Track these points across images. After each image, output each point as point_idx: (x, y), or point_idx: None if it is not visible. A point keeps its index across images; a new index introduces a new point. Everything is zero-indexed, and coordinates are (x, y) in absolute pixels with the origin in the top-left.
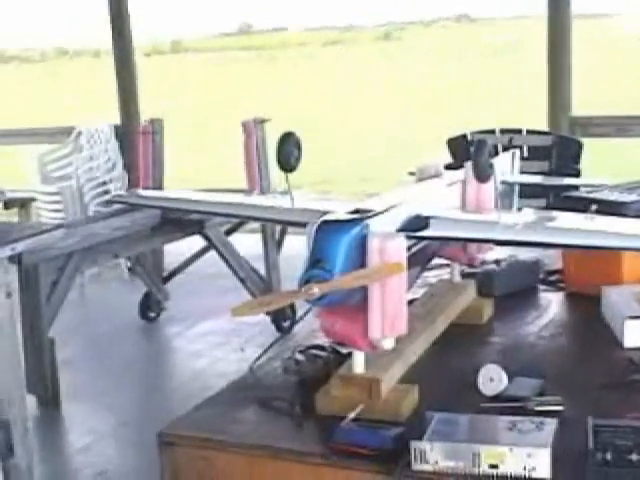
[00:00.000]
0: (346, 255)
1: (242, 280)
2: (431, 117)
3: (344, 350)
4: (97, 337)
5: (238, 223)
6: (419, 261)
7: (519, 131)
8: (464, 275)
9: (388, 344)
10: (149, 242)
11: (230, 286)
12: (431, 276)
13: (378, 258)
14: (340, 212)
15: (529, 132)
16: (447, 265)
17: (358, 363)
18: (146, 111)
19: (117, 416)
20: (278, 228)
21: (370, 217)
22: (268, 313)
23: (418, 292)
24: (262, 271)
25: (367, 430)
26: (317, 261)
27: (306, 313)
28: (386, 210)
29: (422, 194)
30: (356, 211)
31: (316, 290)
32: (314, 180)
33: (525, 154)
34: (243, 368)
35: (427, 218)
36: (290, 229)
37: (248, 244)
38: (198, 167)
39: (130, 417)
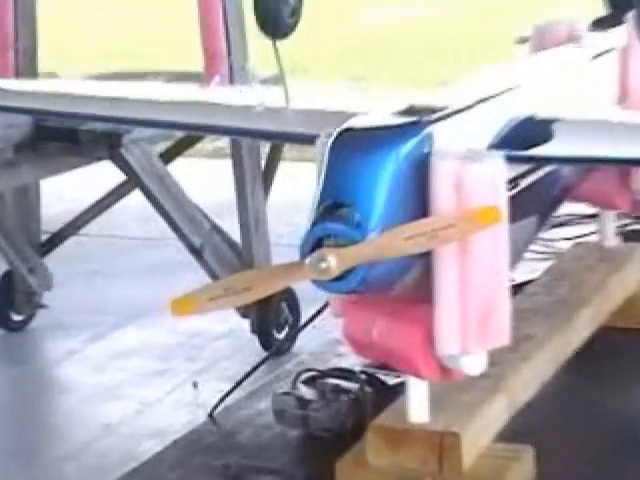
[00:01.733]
0: (390, 195)
1: (195, 250)
2: None
3: (389, 379)
4: None
5: (186, 140)
6: (534, 207)
7: None
8: (626, 236)
9: (474, 366)
10: (11, 175)
11: (171, 261)
12: (560, 237)
13: (452, 200)
14: (378, 113)
15: None
16: (592, 217)
17: (417, 403)
18: None
19: None
20: (264, 149)
21: (435, 121)
22: (244, 314)
23: (535, 268)
24: (234, 233)
25: None
26: (335, 207)
27: (318, 313)
28: (467, 108)
29: (541, 77)
30: (409, 110)
31: (333, 262)
32: (330, 62)
33: None
34: (197, 418)
35: (549, 123)
36: (286, 150)
37: (206, 181)
38: (127, 37)
39: None
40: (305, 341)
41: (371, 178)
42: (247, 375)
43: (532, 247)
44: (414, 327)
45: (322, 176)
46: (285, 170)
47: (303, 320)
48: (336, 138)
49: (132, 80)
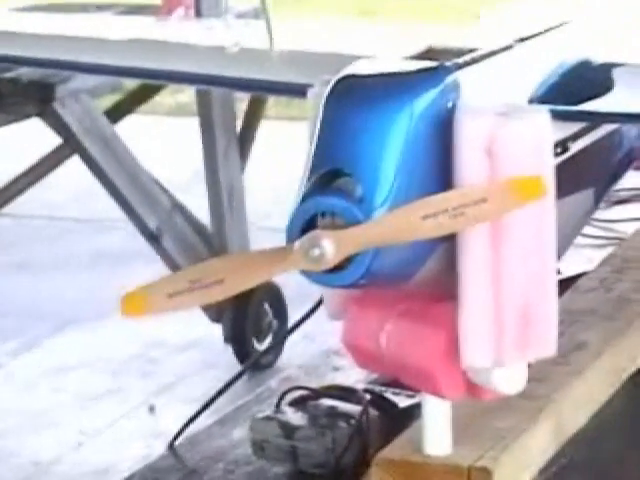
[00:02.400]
0: (403, 162)
1: (151, 235)
2: None
3: (400, 399)
4: None
5: (140, 92)
6: (589, 178)
7: None
8: None
9: (510, 382)
10: None
11: (120, 249)
12: (623, 218)
13: (483, 168)
14: (388, 56)
15: None
16: None
17: (436, 431)
18: None
19: None
20: (241, 104)
21: (461, 67)
22: (216, 317)
23: (590, 258)
24: (202, 213)
25: None
26: (332, 176)
27: (309, 314)
28: (502, 50)
29: (599, 9)
30: (428, 53)
31: (329, 248)
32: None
33: None
34: (153, 452)
35: (609, 69)
36: (270, 106)
37: (167, 146)
38: None
39: None
40: (293, 351)
41: (378, 140)
42: (217, 395)
43: (586, 230)
44: (433, 332)
45: (315, 137)
46: (268, 131)
47: (290, 325)
48: (333, 88)
49: (70, 13)
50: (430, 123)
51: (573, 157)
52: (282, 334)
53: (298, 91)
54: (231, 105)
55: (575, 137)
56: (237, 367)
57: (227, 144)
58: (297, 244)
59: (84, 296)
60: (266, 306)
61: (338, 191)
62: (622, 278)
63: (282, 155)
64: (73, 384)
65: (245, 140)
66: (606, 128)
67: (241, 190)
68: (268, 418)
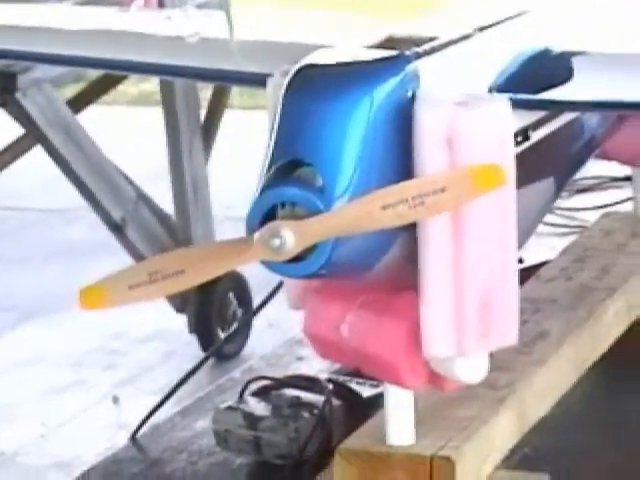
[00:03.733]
0: (362, 151)
1: (115, 225)
2: None
3: (363, 389)
4: None
5: (103, 81)
6: (550, 167)
7: None
8: None
9: (473, 372)
10: None
11: (83, 239)
12: (584, 206)
13: (443, 157)
14: (348, 46)
15: None
16: (624, 180)
17: (399, 420)
18: None
19: None
20: (205, 93)
21: (421, 55)
22: (180, 308)
23: (552, 246)
24: (166, 203)
25: None
26: (292, 166)
27: (267, 299)
28: (462, 39)
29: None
30: (387, 42)
31: (289, 238)
32: None
33: None
34: (116, 443)
35: (568, 57)
36: (234, 95)
37: (130, 135)
38: None
39: None
40: (260, 343)
41: (338, 130)
42: (179, 384)
43: (549, 218)
44: (395, 322)
45: (275, 127)
46: (233, 121)
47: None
48: (293, 78)
49: (30, 2)
50: (390, 112)
51: (534, 146)
52: (245, 319)
53: (258, 81)
54: (195, 94)
55: (536, 126)
56: (199, 353)
57: (191, 134)
58: (257, 235)
59: (45, 288)
60: (231, 295)
61: (298, 181)
62: (584, 267)
63: (246, 145)
64: (35, 377)
65: (209, 130)
66: (567, 117)
67: (205, 180)
68: (231, 408)
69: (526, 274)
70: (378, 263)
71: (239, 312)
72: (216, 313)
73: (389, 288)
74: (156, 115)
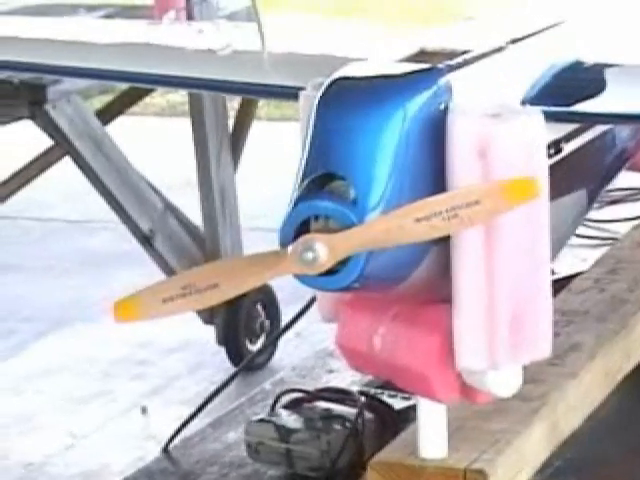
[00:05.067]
0: (396, 164)
1: (144, 236)
2: None
3: (395, 401)
4: None
5: (131, 93)
6: (582, 179)
7: None
8: None
9: (505, 385)
10: None
11: (110, 250)
12: (616, 218)
13: (476, 169)
14: (380, 59)
15: None
16: None
17: (432, 433)
18: None
19: None
20: (233, 104)
21: (454, 68)
22: (208, 319)
23: (584, 258)
24: (194, 215)
25: None
26: (325, 180)
27: (300, 314)
28: (495, 51)
29: (592, 9)
30: (420, 55)
31: (323, 251)
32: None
33: None
34: (147, 454)
35: (601, 70)
36: (261, 106)
37: (158, 146)
38: None
39: None
40: (287, 353)
41: (371, 143)
42: (211, 397)
43: (580, 230)
44: (427, 335)
45: (308, 140)
46: (261, 131)
47: (281, 326)
48: (326, 91)
49: (60, 15)
50: (423, 125)
51: (566, 158)
52: (275, 334)
53: (290, 94)
54: (223, 105)
55: (568, 138)
56: (229, 368)
57: (219, 145)
58: (291, 248)
59: (73, 298)
60: (259, 307)
61: (331, 194)
62: (616, 278)
63: (274, 155)
64: (62, 387)
65: (237, 140)
66: (599, 129)
67: (233, 191)
68: (263, 421)
69: (558, 286)
70: (411, 276)
71: (267, 324)
72: (244, 325)
73: (421, 300)
74: (184, 126)
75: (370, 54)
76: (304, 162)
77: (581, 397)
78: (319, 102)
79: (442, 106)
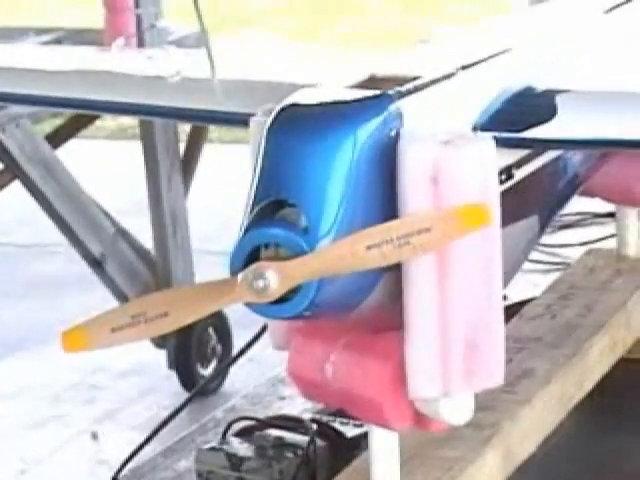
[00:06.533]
0: (346, 191)
1: (94, 260)
2: None
3: (347, 429)
4: None
5: (81, 117)
6: (534, 205)
7: None
8: None
9: (458, 412)
10: None
11: (61, 274)
12: (566, 243)
13: (427, 196)
14: (330, 85)
15: None
16: (608, 216)
17: (384, 461)
18: None
19: None
20: (184, 127)
21: (405, 94)
22: (159, 343)
23: (535, 283)
24: (145, 239)
25: None
26: (275, 207)
27: (252, 342)
28: (446, 77)
29: (541, 36)
30: (370, 81)
31: (274, 279)
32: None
33: None
34: (97, 479)
35: (552, 96)
36: (213, 129)
37: (109, 170)
38: None
39: None
40: (239, 379)
41: (321, 170)
42: (164, 424)
43: (531, 255)
44: (379, 362)
45: (258, 167)
46: (212, 154)
47: (233, 353)
48: (276, 117)
49: (10, 39)
50: (374, 152)
51: (517, 184)
52: (227, 362)
53: (240, 120)
54: (174, 129)
55: (519, 164)
56: (181, 393)
57: (170, 168)
58: (241, 276)
59: (26, 322)
60: (210, 331)
61: (282, 221)
62: (568, 304)
63: (225, 178)
64: (14, 412)
65: (189, 163)
66: (550, 154)
67: (184, 214)
68: (214, 449)
69: (510, 312)
70: (362, 303)
71: (219, 348)
72: (195, 349)
73: (374, 328)
74: (135, 149)
75: (320, 80)
76: (254, 189)
77: (534, 423)
78: (269, 129)
79: (393, 132)
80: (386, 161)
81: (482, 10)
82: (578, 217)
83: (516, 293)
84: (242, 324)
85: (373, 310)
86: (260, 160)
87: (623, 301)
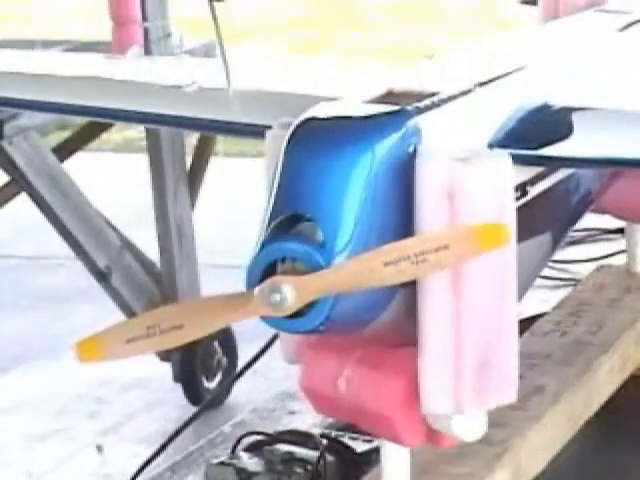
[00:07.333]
0: (363, 207)
1: (100, 273)
2: None
3: (358, 444)
4: None
5: (88, 129)
6: (548, 221)
7: None
8: None
9: (470, 429)
10: None
11: (67, 287)
12: (578, 259)
13: (444, 213)
14: (350, 98)
15: None
16: (618, 232)
17: (395, 477)
18: None
19: None
20: (191, 140)
21: (422, 110)
22: (164, 356)
23: (545, 299)
24: (151, 251)
25: None
26: (292, 221)
27: (259, 355)
28: (463, 93)
29: (556, 53)
30: (388, 96)
31: (290, 294)
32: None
33: None
34: None
35: (567, 113)
36: (222, 143)
37: (115, 182)
38: None
39: None
40: (247, 393)
41: (339, 185)
42: (172, 438)
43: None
44: (393, 378)
45: (276, 181)
46: (218, 167)
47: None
48: (295, 132)
49: (18, 49)
50: (391, 167)
51: (531, 201)
52: (233, 375)
53: (256, 132)
54: (181, 141)
55: (534, 181)
56: (186, 406)
57: (176, 180)
58: (257, 290)
59: (30, 335)
60: (215, 344)
61: (299, 236)
62: (578, 322)
63: (231, 191)
64: (18, 424)
65: (195, 176)
66: (564, 171)
67: (190, 227)
68: (223, 464)
69: (520, 327)
70: (377, 319)
71: (224, 361)
72: (201, 362)
73: (387, 343)
74: (141, 162)
75: (339, 94)
76: (272, 203)
77: (544, 441)
78: (288, 143)
79: (410, 148)
80: (403, 177)
81: (483, 25)
82: (587, 233)
83: (526, 308)
84: (246, 337)
85: (387, 326)
86: (278, 175)
87: (633, 319)
